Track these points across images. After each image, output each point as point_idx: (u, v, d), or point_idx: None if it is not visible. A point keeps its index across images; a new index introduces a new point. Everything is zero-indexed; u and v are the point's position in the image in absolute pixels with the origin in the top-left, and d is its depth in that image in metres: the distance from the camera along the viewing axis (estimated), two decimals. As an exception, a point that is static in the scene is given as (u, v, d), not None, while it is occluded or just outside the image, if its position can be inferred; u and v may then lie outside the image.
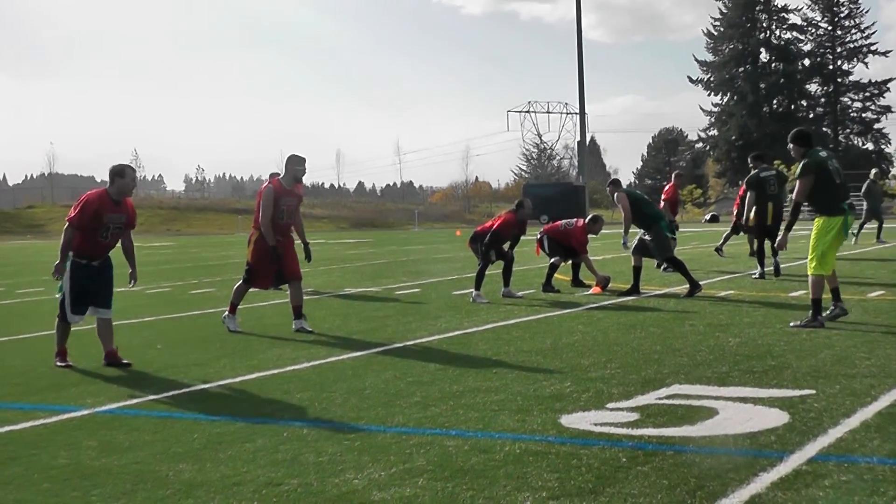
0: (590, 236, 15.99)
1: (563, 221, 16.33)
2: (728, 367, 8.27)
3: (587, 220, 16.05)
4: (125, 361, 9.48)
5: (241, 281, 11.91)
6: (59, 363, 9.56)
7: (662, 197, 20.89)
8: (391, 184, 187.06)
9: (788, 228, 10.94)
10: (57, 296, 9.75)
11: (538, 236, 16.43)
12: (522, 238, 15.49)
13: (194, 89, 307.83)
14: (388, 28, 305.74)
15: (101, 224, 9.46)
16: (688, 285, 14.19)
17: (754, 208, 17.03)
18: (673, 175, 21.66)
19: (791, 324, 10.64)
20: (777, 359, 8.56)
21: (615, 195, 15.06)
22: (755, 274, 16.89)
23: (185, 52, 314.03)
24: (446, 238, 46.91)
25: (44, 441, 6.47)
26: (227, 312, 11.96)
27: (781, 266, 17.39)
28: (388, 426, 6.47)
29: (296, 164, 11.60)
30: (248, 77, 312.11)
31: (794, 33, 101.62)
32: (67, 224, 9.46)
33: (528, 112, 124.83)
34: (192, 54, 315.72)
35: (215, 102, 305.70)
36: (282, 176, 11.67)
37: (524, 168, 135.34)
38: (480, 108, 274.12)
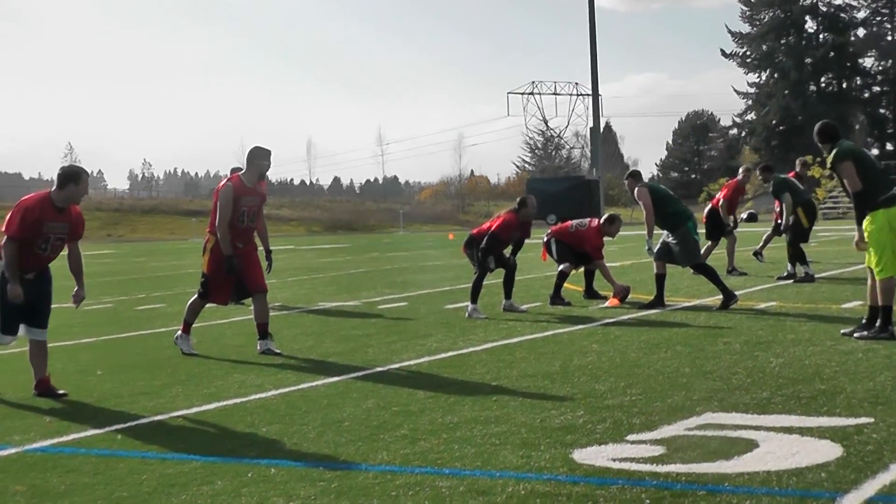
0: (605, 239, 16.03)
1: (575, 222, 16.36)
2: (769, 391, 8.28)
3: (602, 221, 16.08)
4: (60, 391, 9.45)
5: (195, 295, 11.88)
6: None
7: (721, 194, 20.89)
8: (372, 179, 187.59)
9: (859, 223, 10.96)
10: None
11: (545, 239, 16.45)
12: (526, 242, 15.51)
13: (138, 72, 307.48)
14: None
15: (39, 234, 9.40)
16: (721, 296, 14.21)
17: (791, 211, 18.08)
18: (741, 170, 21.52)
19: (845, 332, 10.71)
20: (827, 382, 8.58)
21: (635, 190, 15.06)
22: (784, 274, 18.05)
23: (125, 29, 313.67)
24: (437, 242, 46.96)
25: (-36, 485, 6.45)
26: (179, 332, 11.95)
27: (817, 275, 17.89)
28: (371, 464, 6.47)
29: (260, 158, 11.59)
30: (201, 57, 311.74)
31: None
32: (6, 238, 9.33)
33: (531, 94, 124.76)
34: (134, 32, 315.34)
35: (163, 87, 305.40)
36: (243, 172, 11.67)
37: (528, 159, 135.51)
38: (475, 89, 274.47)
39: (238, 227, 11.44)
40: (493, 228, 14.78)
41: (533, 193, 16.01)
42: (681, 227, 14.67)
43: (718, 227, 20.45)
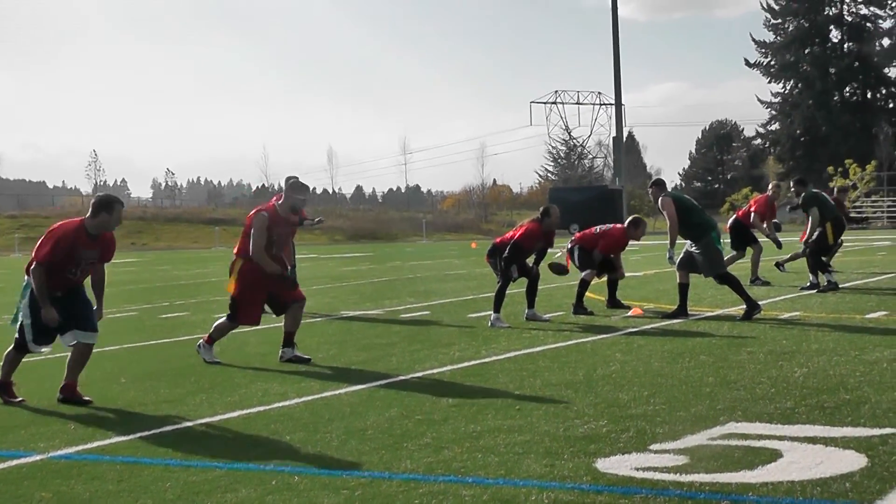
0: (631, 243, 16.02)
1: (599, 227, 16.34)
2: (793, 401, 8.26)
3: (627, 223, 16.08)
4: (85, 398, 9.50)
5: (224, 318, 11.89)
6: (5, 398, 9.61)
7: (749, 206, 20.89)
8: (394, 188, 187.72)
9: None
10: (12, 325, 9.82)
11: (568, 246, 16.42)
12: (549, 251, 15.50)
13: (161, 82, 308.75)
14: (385, 7, 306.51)
15: (71, 261, 9.53)
16: (744, 306, 14.17)
17: (818, 228, 18.10)
18: (770, 186, 21.58)
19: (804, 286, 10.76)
20: (852, 392, 8.55)
21: (659, 199, 15.01)
22: (807, 284, 18.14)
23: (150, 40, 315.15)
24: (460, 251, 46.95)
25: (-11, 492, 6.49)
26: (202, 341, 11.98)
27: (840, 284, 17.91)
28: (394, 472, 6.49)
29: (296, 193, 11.68)
30: (223, 66, 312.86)
31: (872, 7, 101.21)
32: (36, 264, 9.43)
33: (554, 103, 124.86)
34: (158, 43, 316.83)
35: (186, 97, 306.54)
36: (280, 202, 11.72)
37: (550, 169, 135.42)
38: (498, 98, 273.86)
39: (268, 254, 11.48)
40: (515, 237, 14.77)
41: (556, 203, 16.03)
42: (704, 237, 14.63)
43: (743, 238, 20.40)
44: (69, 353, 9.70)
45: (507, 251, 14.73)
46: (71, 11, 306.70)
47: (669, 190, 15.36)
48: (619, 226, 16.13)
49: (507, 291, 14.86)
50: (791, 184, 19.30)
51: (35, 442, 7.90)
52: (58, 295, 9.51)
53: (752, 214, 20.48)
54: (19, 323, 9.64)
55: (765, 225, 20.45)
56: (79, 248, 9.49)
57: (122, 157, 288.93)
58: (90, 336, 9.66)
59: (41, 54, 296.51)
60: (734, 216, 21.07)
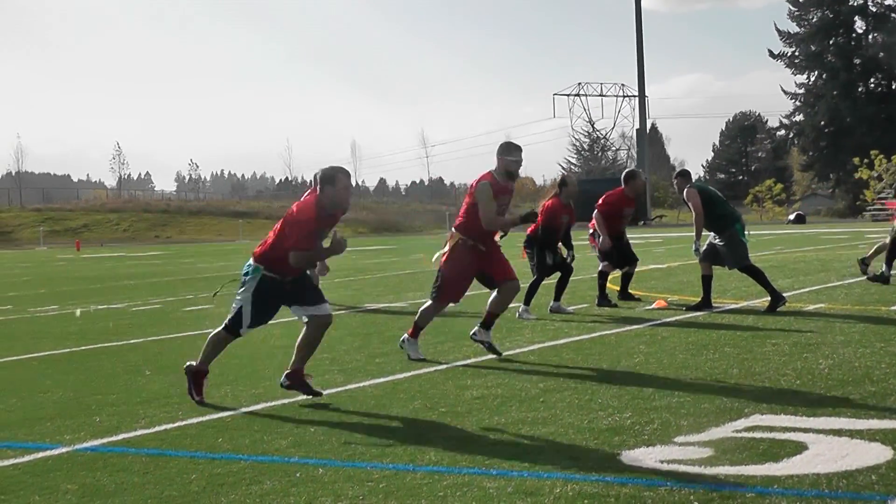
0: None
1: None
2: (819, 393, 8.23)
3: (623, 177, 16.05)
4: (316, 389, 9.04)
5: (428, 302, 11.26)
6: (195, 396, 9.06)
7: None
8: (417, 181, 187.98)
9: None
10: (233, 305, 9.22)
11: (590, 230, 16.41)
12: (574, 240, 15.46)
13: (186, 76, 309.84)
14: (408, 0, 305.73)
15: (314, 243, 8.93)
16: (769, 297, 14.12)
17: None
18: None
19: None
20: (878, 384, 8.51)
21: (684, 191, 14.93)
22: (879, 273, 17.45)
23: (174, 34, 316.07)
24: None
25: (14, 485, 6.51)
26: (406, 336, 11.29)
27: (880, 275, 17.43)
28: (418, 464, 6.49)
29: (509, 155, 10.99)
30: (246, 60, 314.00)
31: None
32: (293, 252, 8.74)
33: (577, 95, 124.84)
34: (182, 38, 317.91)
35: (210, 90, 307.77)
36: (494, 169, 11.11)
37: (574, 161, 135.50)
38: (520, 91, 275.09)
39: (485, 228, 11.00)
40: (541, 222, 14.69)
41: (580, 194, 15.88)
42: (728, 228, 14.53)
43: None
44: (206, 340, 9.33)
45: (539, 236, 14.73)
46: (95, 5, 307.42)
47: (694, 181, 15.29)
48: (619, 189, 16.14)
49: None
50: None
51: (61, 434, 7.93)
52: (287, 279, 8.99)
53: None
54: (238, 307, 9.08)
55: None
56: (322, 227, 8.94)
57: (145, 150, 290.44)
58: (323, 309, 9.09)
59: (65, 48, 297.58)
60: None
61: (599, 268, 15.92)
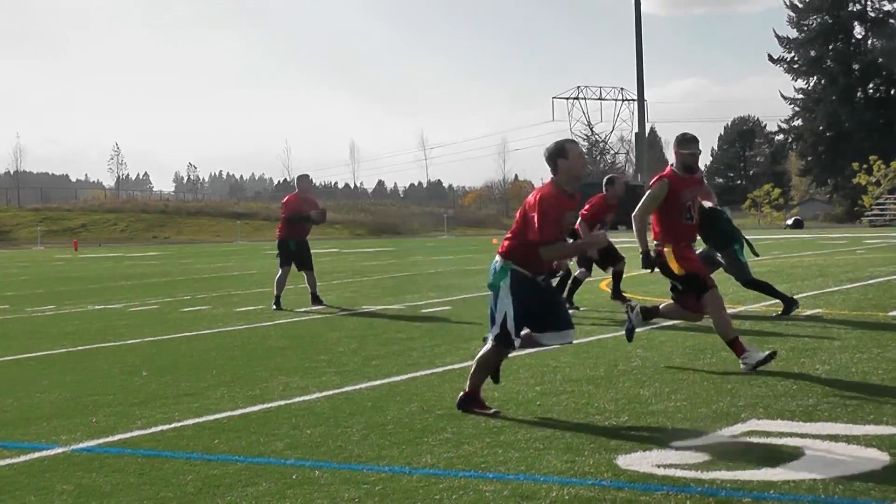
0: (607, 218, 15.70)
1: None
2: (815, 398, 8.22)
3: (604, 184, 15.83)
4: (492, 410, 8.19)
5: (702, 299, 10.24)
6: (478, 408, 8.22)
7: None
8: (416, 183, 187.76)
9: None
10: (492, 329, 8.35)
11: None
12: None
13: (185, 77, 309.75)
14: (407, 3, 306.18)
15: (559, 230, 8.29)
16: (768, 302, 14.04)
17: None
18: None
19: None
20: (874, 390, 8.51)
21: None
22: None
23: (173, 35, 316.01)
24: (481, 246, 46.93)
25: (10, 485, 6.51)
26: (742, 357, 9.81)
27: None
28: (414, 467, 6.49)
29: (684, 148, 10.47)
30: (245, 62, 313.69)
31: (895, 3, 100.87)
32: (544, 246, 8.08)
33: (576, 98, 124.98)
34: (181, 39, 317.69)
35: (209, 91, 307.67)
36: (673, 164, 10.63)
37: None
38: (519, 94, 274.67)
39: (685, 224, 10.53)
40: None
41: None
42: (728, 248, 14.16)
43: None
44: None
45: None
46: (94, 6, 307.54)
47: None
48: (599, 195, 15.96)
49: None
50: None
51: (57, 434, 7.92)
52: (540, 278, 8.34)
53: None
54: (502, 316, 8.19)
55: None
56: (564, 211, 8.36)
57: (144, 151, 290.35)
58: (569, 335, 8.32)
59: (65, 49, 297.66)
60: None
61: (576, 273, 15.82)
